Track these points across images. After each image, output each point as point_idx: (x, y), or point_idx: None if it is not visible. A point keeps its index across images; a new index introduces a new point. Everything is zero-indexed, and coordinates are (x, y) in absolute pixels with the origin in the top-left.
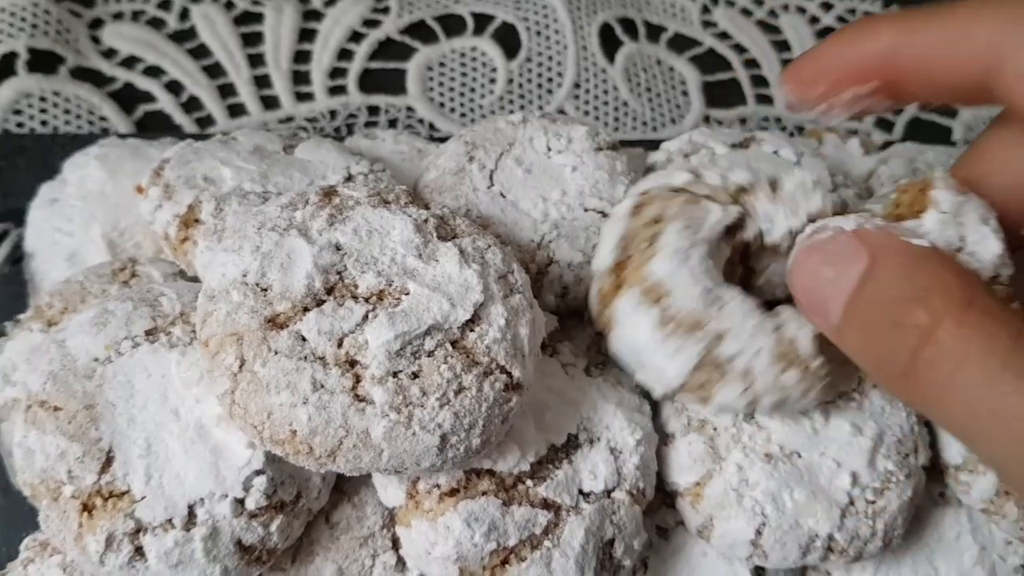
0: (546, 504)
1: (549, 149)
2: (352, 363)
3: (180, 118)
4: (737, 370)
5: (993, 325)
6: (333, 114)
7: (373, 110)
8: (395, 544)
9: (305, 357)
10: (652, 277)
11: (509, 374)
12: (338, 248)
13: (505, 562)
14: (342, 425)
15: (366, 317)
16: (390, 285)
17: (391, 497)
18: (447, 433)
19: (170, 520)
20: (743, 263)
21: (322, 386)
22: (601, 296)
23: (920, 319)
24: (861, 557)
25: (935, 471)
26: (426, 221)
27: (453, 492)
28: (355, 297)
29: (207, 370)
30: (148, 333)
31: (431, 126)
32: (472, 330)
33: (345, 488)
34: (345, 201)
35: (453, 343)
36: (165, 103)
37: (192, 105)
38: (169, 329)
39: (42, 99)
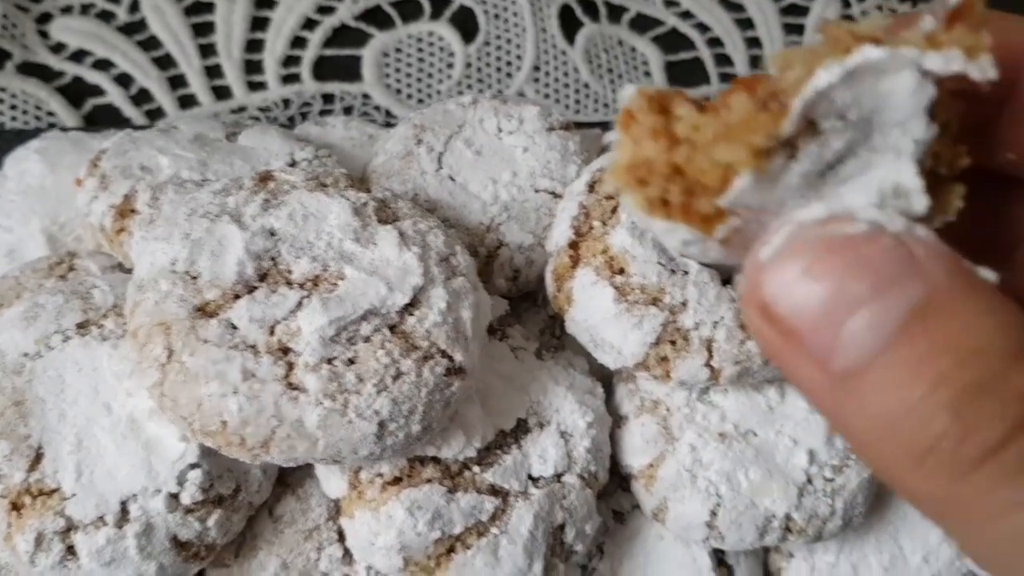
0: (493, 490)
1: (500, 130)
2: (285, 351)
3: (130, 111)
4: (698, 341)
5: None
6: (287, 103)
7: (328, 98)
8: (341, 536)
9: (235, 346)
10: (611, 250)
11: (450, 358)
12: (272, 233)
13: (451, 551)
14: (274, 415)
15: (300, 303)
16: (326, 270)
17: (334, 488)
18: (385, 420)
19: (102, 517)
20: None
21: (253, 375)
22: (557, 275)
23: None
24: (821, 537)
25: None
26: (365, 204)
27: (396, 481)
28: (289, 283)
29: (136, 362)
30: (79, 326)
31: (388, 113)
32: (411, 314)
33: (289, 480)
34: (281, 186)
35: (391, 328)
36: (114, 96)
37: (142, 97)
38: (101, 322)
39: None
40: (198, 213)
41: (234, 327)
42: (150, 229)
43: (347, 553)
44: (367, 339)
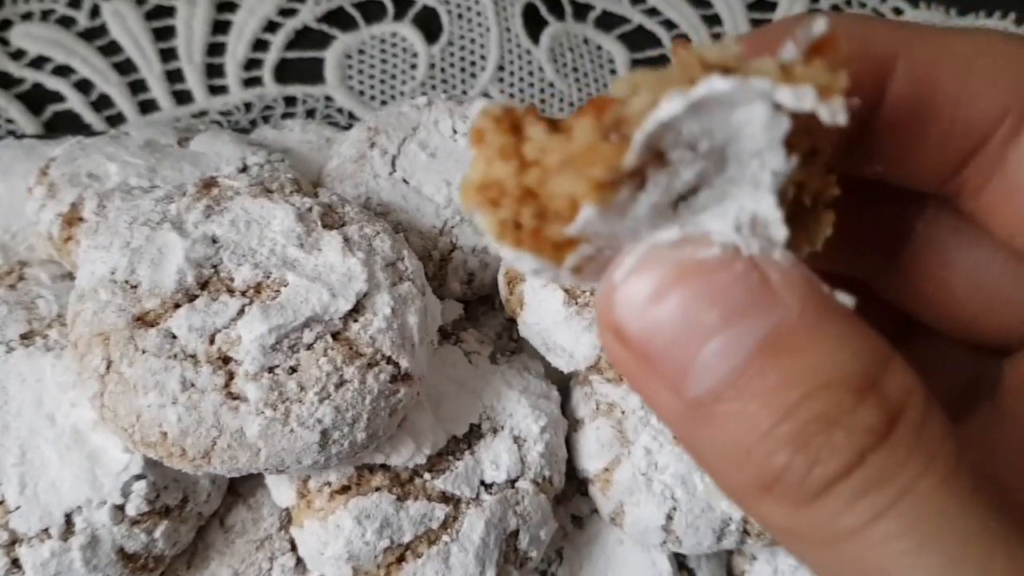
0: (444, 497)
1: (455, 132)
2: (225, 360)
3: (90, 117)
4: None
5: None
6: (248, 107)
7: (290, 101)
8: (294, 546)
9: (175, 355)
10: None
11: (396, 364)
12: (214, 240)
13: (401, 559)
14: (214, 425)
15: (241, 311)
16: (268, 277)
17: (283, 497)
18: (328, 428)
19: (46, 530)
20: None
21: (192, 385)
22: (509, 278)
23: (873, 418)
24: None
25: None
26: (310, 210)
27: (344, 489)
28: (231, 291)
29: (77, 372)
30: (23, 337)
31: (351, 115)
32: (355, 320)
33: (240, 490)
34: (224, 192)
35: (334, 335)
36: (74, 102)
37: (102, 103)
38: (45, 332)
39: None
40: (139, 221)
41: (174, 336)
42: (93, 238)
43: (300, 562)
44: (309, 347)
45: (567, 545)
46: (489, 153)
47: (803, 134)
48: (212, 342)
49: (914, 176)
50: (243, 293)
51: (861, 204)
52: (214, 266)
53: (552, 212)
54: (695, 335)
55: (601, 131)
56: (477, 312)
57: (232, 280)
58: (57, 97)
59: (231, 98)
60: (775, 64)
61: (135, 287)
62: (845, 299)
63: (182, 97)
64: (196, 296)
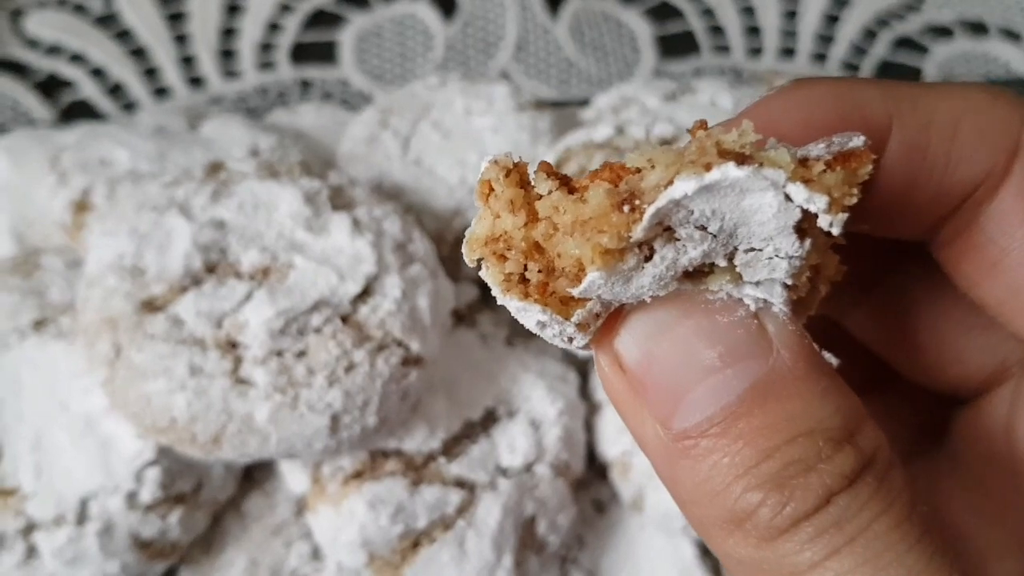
0: (459, 482)
1: (469, 112)
2: (233, 344)
3: (105, 104)
4: None
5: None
6: (264, 91)
7: (306, 85)
8: (309, 532)
9: (182, 340)
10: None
11: (407, 348)
12: (221, 225)
13: (416, 544)
14: (223, 410)
15: (249, 295)
16: (275, 260)
17: (297, 483)
18: (338, 413)
19: (62, 516)
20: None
21: (200, 370)
22: None
23: (847, 466)
24: None
25: None
26: (319, 192)
27: (357, 475)
28: (238, 275)
29: (88, 358)
30: (36, 324)
31: (367, 98)
32: (365, 303)
33: (256, 477)
34: (232, 176)
35: (343, 318)
36: (89, 90)
37: (117, 90)
38: (57, 319)
39: None
40: (146, 206)
41: (181, 321)
42: (102, 224)
43: (316, 549)
44: (318, 330)
45: (588, 531)
46: (497, 206)
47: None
48: (220, 327)
49: (898, 231)
50: (251, 277)
51: (836, 248)
52: (221, 250)
53: (559, 269)
54: (692, 371)
55: (615, 200)
56: (491, 295)
57: (239, 264)
58: (72, 85)
59: (246, 83)
60: (791, 157)
61: (143, 272)
62: (830, 358)
63: (197, 83)
64: (203, 280)
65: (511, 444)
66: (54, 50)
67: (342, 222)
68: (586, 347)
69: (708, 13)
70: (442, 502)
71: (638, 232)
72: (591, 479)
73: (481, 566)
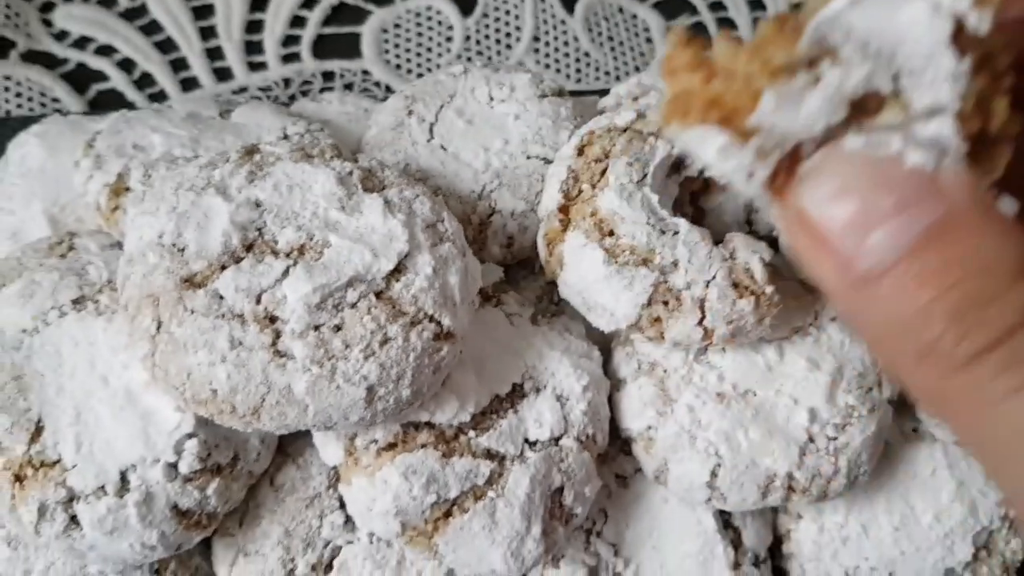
0: (489, 454)
1: (491, 99)
2: (272, 319)
3: (133, 95)
4: (690, 301)
5: None
6: (287, 82)
7: (328, 76)
8: (343, 503)
9: (222, 315)
10: (600, 212)
11: (438, 323)
12: (257, 205)
13: (448, 514)
14: (263, 382)
15: (286, 272)
16: (311, 239)
17: (331, 455)
18: (374, 385)
19: (102, 487)
20: (692, 203)
21: (240, 343)
22: (548, 239)
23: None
24: (826, 496)
25: (905, 406)
26: (350, 173)
27: (390, 446)
28: (275, 253)
29: (128, 333)
30: (75, 302)
31: (388, 88)
32: (397, 280)
33: (289, 450)
34: (266, 158)
35: (377, 294)
36: (117, 81)
37: (145, 82)
38: (96, 297)
39: None
40: (184, 187)
41: (221, 297)
42: (140, 204)
43: (349, 520)
44: (353, 305)
45: (611, 504)
46: (677, 68)
47: (975, 44)
48: (258, 302)
49: None
50: (287, 255)
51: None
52: (258, 229)
53: (735, 112)
54: (869, 218)
55: (779, 26)
56: (517, 277)
57: (276, 242)
58: (101, 76)
59: (270, 74)
60: None
61: (182, 250)
62: (1008, 204)
63: (222, 74)
64: (241, 258)
65: (538, 418)
66: (82, 41)
67: (374, 202)
68: (764, 188)
69: (719, 6)
70: (473, 473)
71: (803, 44)
72: (614, 454)
73: (511, 535)
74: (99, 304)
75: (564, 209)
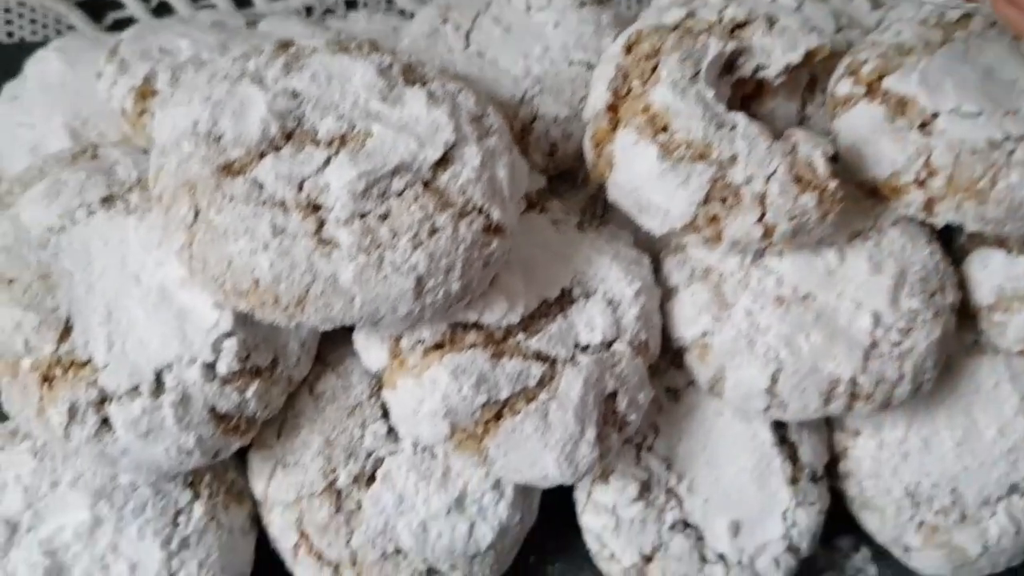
0: (540, 357)
1: (529, 7)
2: (315, 207)
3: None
4: (750, 197)
5: None
6: (309, 10)
7: (351, 4)
8: (385, 413)
9: (263, 202)
10: (652, 108)
11: (488, 216)
12: (295, 95)
13: (498, 416)
14: (307, 270)
15: (327, 161)
16: (353, 128)
17: (374, 359)
18: (422, 275)
19: (136, 387)
20: (743, 109)
21: (283, 230)
22: (596, 140)
23: None
24: (890, 403)
25: (966, 319)
26: (390, 66)
27: (438, 346)
28: (316, 142)
29: (163, 226)
30: (104, 200)
31: (411, 15)
32: (444, 171)
33: (329, 359)
34: (302, 50)
35: (424, 184)
36: (134, 9)
37: (162, 9)
38: (126, 196)
39: (7, 11)
40: (218, 76)
41: (261, 185)
42: (171, 99)
43: (392, 430)
44: (400, 194)
45: (663, 419)
46: None
47: None
48: (300, 189)
49: None
50: (328, 144)
51: None
52: (297, 119)
53: None
54: None
55: None
56: (559, 190)
57: (316, 132)
58: (117, 4)
59: (291, 1)
60: None
61: (218, 139)
62: None
63: (241, 2)
64: (281, 147)
65: (589, 322)
66: None
67: (417, 94)
68: None
69: None
70: (524, 375)
71: None
72: (664, 367)
73: (564, 438)
74: (129, 203)
75: (613, 108)
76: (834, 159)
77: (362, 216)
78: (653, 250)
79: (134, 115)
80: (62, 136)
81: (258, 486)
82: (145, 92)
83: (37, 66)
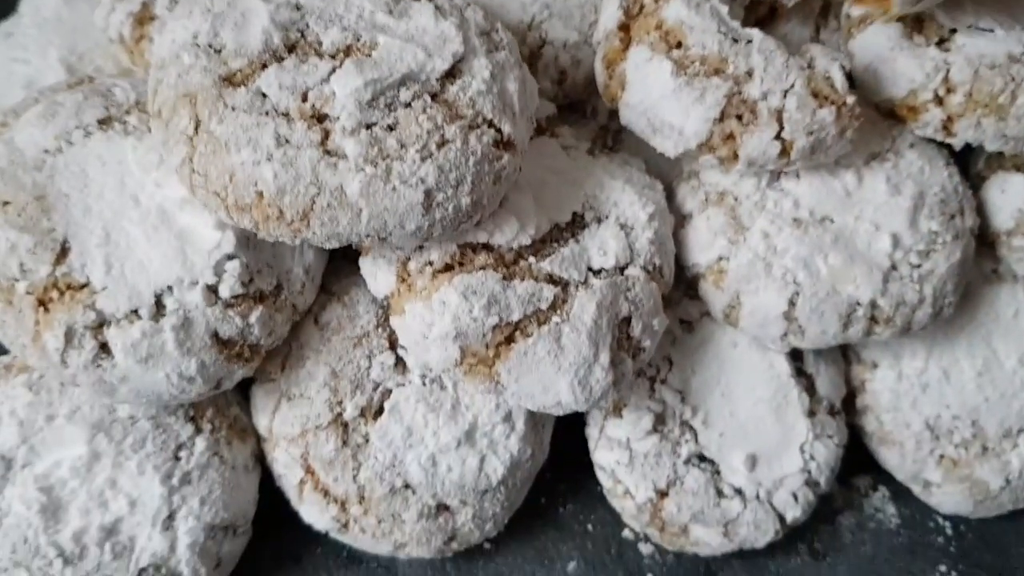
0: (552, 279)
1: None
2: (320, 118)
3: None
4: (767, 112)
5: None
6: None
7: None
8: (392, 344)
9: (266, 112)
10: (666, 24)
11: (498, 129)
12: (298, 7)
13: (510, 340)
14: (312, 182)
15: (332, 72)
16: (358, 40)
17: (382, 284)
18: (431, 188)
19: (135, 311)
20: None
21: (287, 141)
22: (607, 61)
23: None
24: (910, 328)
25: (984, 247)
26: None
27: (447, 268)
28: (319, 54)
29: (163, 141)
30: (101, 122)
31: None
32: (452, 83)
33: (333, 288)
34: None
35: (433, 95)
36: None
37: None
38: (124, 118)
39: None
40: None
41: (263, 95)
42: (170, 15)
43: (399, 362)
44: (407, 105)
45: (676, 351)
46: None
47: None
48: (305, 99)
49: None
50: (332, 56)
51: None
52: (300, 31)
53: None
54: None
55: None
56: (569, 119)
57: (320, 44)
58: None
59: None
60: None
61: (219, 50)
62: None
63: None
64: (284, 58)
65: (602, 246)
66: None
67: (424, 7)
68: None
69: None
70: (536, 297)
71: None
72: (678, 298)
73: (578, 361)
74: (127, 124)
75: (624, 27)
76: (850, 79)
77: (369, 126)
78: (666, 180)
79: (132, 42)
80: (58, 71)
81: (262, 421)
82: (143, 18)
83: (32, 2)
